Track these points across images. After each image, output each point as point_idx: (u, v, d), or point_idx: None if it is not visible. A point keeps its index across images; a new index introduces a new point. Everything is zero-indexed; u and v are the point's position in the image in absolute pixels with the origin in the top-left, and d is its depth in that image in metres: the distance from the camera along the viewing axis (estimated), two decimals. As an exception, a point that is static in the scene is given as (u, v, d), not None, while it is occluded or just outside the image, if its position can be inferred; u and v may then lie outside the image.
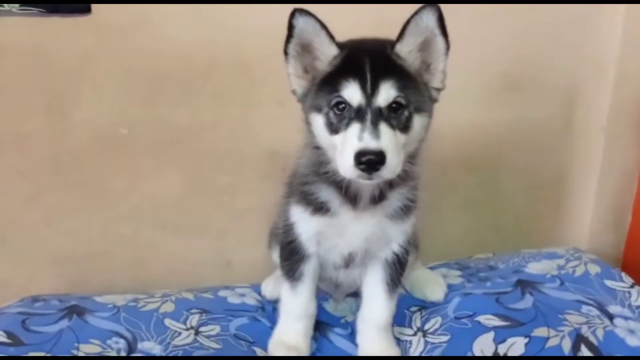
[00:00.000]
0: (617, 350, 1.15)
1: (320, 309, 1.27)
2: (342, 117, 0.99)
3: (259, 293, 1.36)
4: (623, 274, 1.36)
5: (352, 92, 0.97)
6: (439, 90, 1.05)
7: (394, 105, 0.98)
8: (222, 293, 1.35)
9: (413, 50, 1.01)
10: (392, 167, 0.95)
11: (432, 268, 1.43)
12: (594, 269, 1.37)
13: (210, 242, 1.54)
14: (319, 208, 1.09)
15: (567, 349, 1.14)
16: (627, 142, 1.62)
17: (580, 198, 1.68)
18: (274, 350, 1.18)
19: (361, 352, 1.20)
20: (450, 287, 1.34)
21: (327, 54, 1.01)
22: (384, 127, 0.96)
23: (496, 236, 1.66)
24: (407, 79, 1.00)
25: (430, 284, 1.34)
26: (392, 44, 1.01)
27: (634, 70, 1.56)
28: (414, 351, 1.21)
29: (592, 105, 1.60)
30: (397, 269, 1.17)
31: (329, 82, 1.00)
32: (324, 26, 1.00)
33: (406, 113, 0.99)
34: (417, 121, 1.01)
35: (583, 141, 1.64)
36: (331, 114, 1.00)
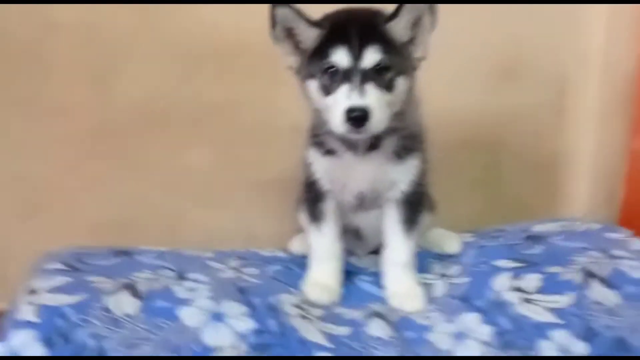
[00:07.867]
0: (625, 280, 1.25)
1: (346, 262, 1.37)
2: (333, 80, 1.12)
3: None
4: (622, 228, 1.47)
5: (340, 57, 1.11)
6: (420, 59, 1.19)
7: (378, 67, 1.12)
8: (254, 250, 1.43)
9: (403, 26, 1.15)
10: (376, 122, 1.10)
11: (445, 234, 1.53)
12: (595, 226, 1.48)
13: (235, 214, 1.63)
14: (328, 151, 1.24)
15: (578, 280, 1.25)
16: (616, 126, 1.76)
17: (576, 178, 1.81)
18: (308, 289, 1.27)
19: (387, 292, 1.29)
20: (465, 244, 1.44)
21: (310, 35, 1.15)
22: (369, 87, 1.10)
23: (499, 214, 1.77)
24: (390, 46, 1.13)
25: (446, 238, 1.45)
26: (381, 16, 1.14)
27: (617, 62, 1.73)
28: (437, 290, 1.30)
29: (580, 93, 1.76)
30: (411, 207, 1.28)
31: (320, 51, 1.14)
32: (301, 15, 1.14)
33: (390, 75, 1.13)
34: (400, 83, 1.14)
35: (575, 126, 1.79)
36: (324, 78, 1.13)
